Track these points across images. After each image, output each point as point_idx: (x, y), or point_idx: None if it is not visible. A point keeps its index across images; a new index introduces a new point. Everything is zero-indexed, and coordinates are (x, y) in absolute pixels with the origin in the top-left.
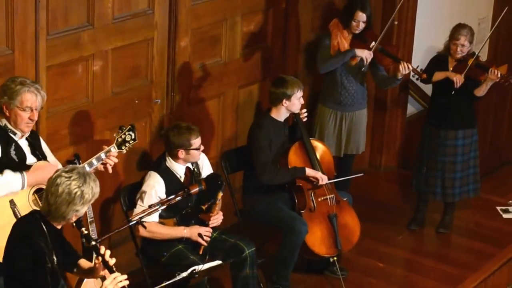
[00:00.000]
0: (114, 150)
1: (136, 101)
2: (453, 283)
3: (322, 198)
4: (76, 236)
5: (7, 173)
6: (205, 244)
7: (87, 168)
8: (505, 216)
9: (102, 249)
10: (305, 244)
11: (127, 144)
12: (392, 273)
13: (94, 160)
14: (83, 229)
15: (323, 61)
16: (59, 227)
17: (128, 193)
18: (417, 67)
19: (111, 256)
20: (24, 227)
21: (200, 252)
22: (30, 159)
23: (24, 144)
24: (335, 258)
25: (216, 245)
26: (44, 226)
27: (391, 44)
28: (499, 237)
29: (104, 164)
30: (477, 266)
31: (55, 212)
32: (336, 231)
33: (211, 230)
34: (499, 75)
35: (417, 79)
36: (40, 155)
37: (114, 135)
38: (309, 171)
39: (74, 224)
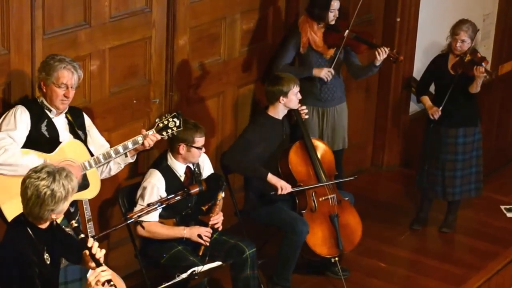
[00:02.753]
0: (152, 134)
1: (134, 101)
2: (456, 283)
3: (323, 198)
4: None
5: (31, 156)
6: (205, 244)
7: (121, 151)
8: (509, 215)
9: (90, 242)
10: (306, 244)
11: (169, 130)
12: (394, 273)
13: (129, 143)
14: (73, 221)
15: (284, 68)
16: (43, 227)
17: (126, 194)
18: (394, 51)
19: (100, 248)
20: (9, 233)
21: (200, 253)
22: (65, 136)
23: (61, 121)
24: (336, 259)
25: (216, 246)
26: (28, 228)
27: (365, 32)
28: (503, 236)
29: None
30: (481, 266)
31: (30, 214)
32: (338, 231)
33: (211, 231)
34: (482, 70)
35: (394, 62)
36: (81, 133)
37: (156, 120)
38: (271, 177)
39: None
